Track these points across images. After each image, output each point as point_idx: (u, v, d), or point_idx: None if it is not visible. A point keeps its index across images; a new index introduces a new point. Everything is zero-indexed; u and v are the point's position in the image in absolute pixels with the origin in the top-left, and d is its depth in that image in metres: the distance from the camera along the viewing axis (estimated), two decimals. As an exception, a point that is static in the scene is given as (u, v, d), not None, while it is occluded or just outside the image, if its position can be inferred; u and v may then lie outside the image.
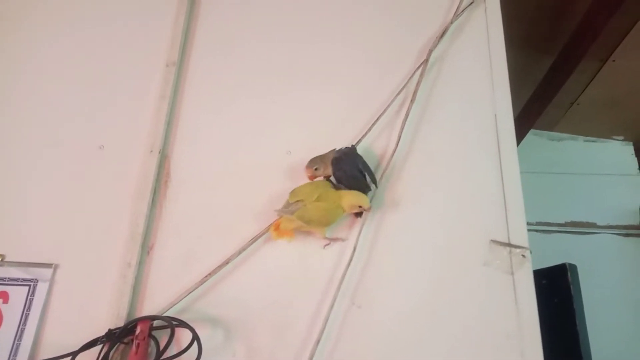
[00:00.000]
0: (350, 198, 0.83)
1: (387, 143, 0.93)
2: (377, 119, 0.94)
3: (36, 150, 0.94)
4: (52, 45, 1.04)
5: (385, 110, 0.95)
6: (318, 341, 0.77)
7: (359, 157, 0.87)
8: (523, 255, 0.83)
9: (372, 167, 0.89)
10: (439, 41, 0.99)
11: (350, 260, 0.82)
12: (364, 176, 0.86)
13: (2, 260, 0.84)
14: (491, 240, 0.85)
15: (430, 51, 0.98)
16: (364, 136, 0.93)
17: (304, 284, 0.83)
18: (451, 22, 1.01)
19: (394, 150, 0.91)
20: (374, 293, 0.82)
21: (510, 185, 0.90)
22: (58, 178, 0.91)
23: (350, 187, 0.85)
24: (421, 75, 0.96)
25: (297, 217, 0.81)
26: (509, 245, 0.84)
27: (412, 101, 0.94)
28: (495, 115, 0.95)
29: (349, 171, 0.85)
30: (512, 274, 0.83)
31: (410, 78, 0.97)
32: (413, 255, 0.85)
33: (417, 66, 0.98)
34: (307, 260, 0.85)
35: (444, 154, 0.93)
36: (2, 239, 0.86)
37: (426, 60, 0.97)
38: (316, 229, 0.84)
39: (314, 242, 0.85)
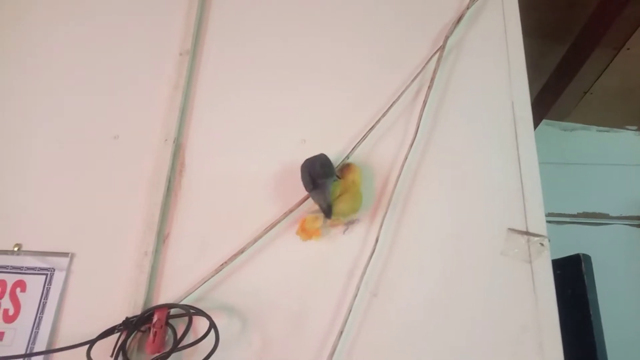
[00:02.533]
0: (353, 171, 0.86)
1: (404, 131, 0.92)
2: (392, 105, 0.93)
3: (52, 140, 0.94)
4: (65, 35, 1.04)
5: (400, 97, 0.93)
6: (341, 332, 0.76)
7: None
8: (541, 244, 0.82)
9: (389, 155, 0.90)
10: (455, 27, 0.98)
11: (373, 251, 0.82)
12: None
13: (19, 249, 0.84)
14: (509, 229, 0.84)
15: (447, 37, 0.96)
16: (377, 122, 0.92)
17: (321, 274, 0.83)
18: (467, 8, 0.99)
19: (413, 139, 0.89)
20: (393, 283, 0.82)
21: (528, 173, 0.88)
22: (74, 168, 0.91)
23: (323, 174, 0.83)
24: (438, 61, 0.94)
25: (338, 215, 0.83)
26: (527, 233, 0.83)
27: (429, 87, 0.93)
28: (512, 102, 0.94)
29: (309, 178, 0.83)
30: (530, 262, 0.82)
31: (426, 64, 0.96)
32: (431, 244, 0.84)
33: (433, 52, 0.96)
34: (323, 249, 0.84)
35: (461, 142, 0.91)
36: (19, 229, 0.87)
37: (442, 47, 0.96)
38: (344, 219, 0.85)
39: (330, 232, 0.85)
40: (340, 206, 0.83)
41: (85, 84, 0.99)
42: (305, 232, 0.84)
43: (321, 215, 0.83)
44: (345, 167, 0.87)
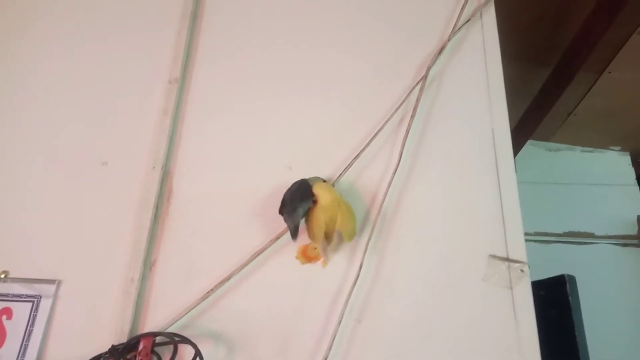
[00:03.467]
0: (325, 192, 0.85)
1: (387, 159, 0.94)
2: (376, 134, 0.95)
3: (39, 166, 0.95)
4: (53, 61, 1.05)
5: (383, 126, 0.96)
6: (325, 358, 0.77)
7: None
8: (522, 270, 0.84)
9: (373, 183, 0.92)
10: (436, 58, 1.01)
11: (357, 277, 0.83)
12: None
13: (5, 276, 0.85)
14: (490, 255, 0.86)
15: (429, 68, 0.99)
16: (362, 151, 0.94)
17: (307, 300, 0.84)
18: (449, 40, 1.02)
19: (396, 167, 0.92)
20: (377, 309, 0.83)
21: (508, 199, 0.90)
22: (61, 194, 0.92)
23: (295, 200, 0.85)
24: (420, 91, 0.97)
25: (348, 240, 0.85)
26: (508, 260, 0.85)
27: (412, 117, 0.95)
28: (493, 130, 0.96)
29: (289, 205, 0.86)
30: (511, 288, 0.83)
31: (409, 94, 0.98)
32: (415, 270, 0.86)
33: (416, 83, 0.99)
34: (309, 276, 0.85)
35: (443, 170, 0.94)
36: (6, 255, 0.87)
37: (425, 77, 0.98)
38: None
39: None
40: (348, 227, 0.84)
41: (74, 111, 1.00)
42: (306, 257, 0.86)
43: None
44: (315, 194, 0.86)
